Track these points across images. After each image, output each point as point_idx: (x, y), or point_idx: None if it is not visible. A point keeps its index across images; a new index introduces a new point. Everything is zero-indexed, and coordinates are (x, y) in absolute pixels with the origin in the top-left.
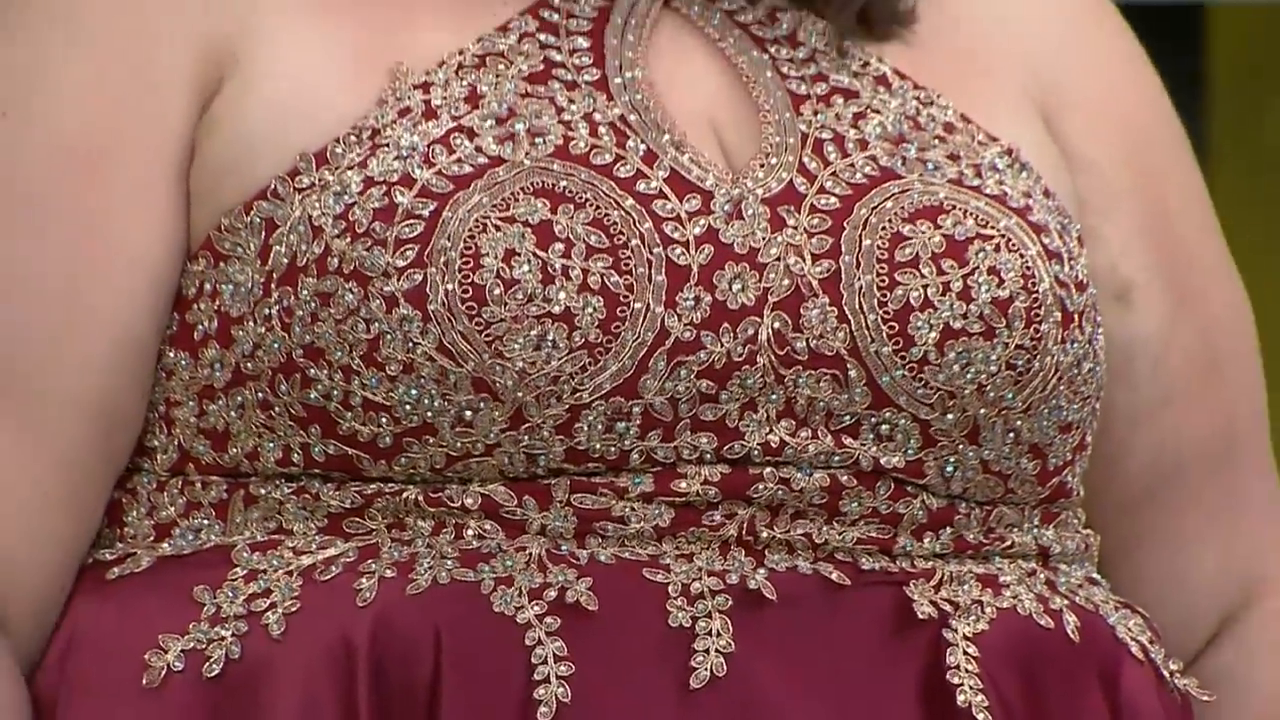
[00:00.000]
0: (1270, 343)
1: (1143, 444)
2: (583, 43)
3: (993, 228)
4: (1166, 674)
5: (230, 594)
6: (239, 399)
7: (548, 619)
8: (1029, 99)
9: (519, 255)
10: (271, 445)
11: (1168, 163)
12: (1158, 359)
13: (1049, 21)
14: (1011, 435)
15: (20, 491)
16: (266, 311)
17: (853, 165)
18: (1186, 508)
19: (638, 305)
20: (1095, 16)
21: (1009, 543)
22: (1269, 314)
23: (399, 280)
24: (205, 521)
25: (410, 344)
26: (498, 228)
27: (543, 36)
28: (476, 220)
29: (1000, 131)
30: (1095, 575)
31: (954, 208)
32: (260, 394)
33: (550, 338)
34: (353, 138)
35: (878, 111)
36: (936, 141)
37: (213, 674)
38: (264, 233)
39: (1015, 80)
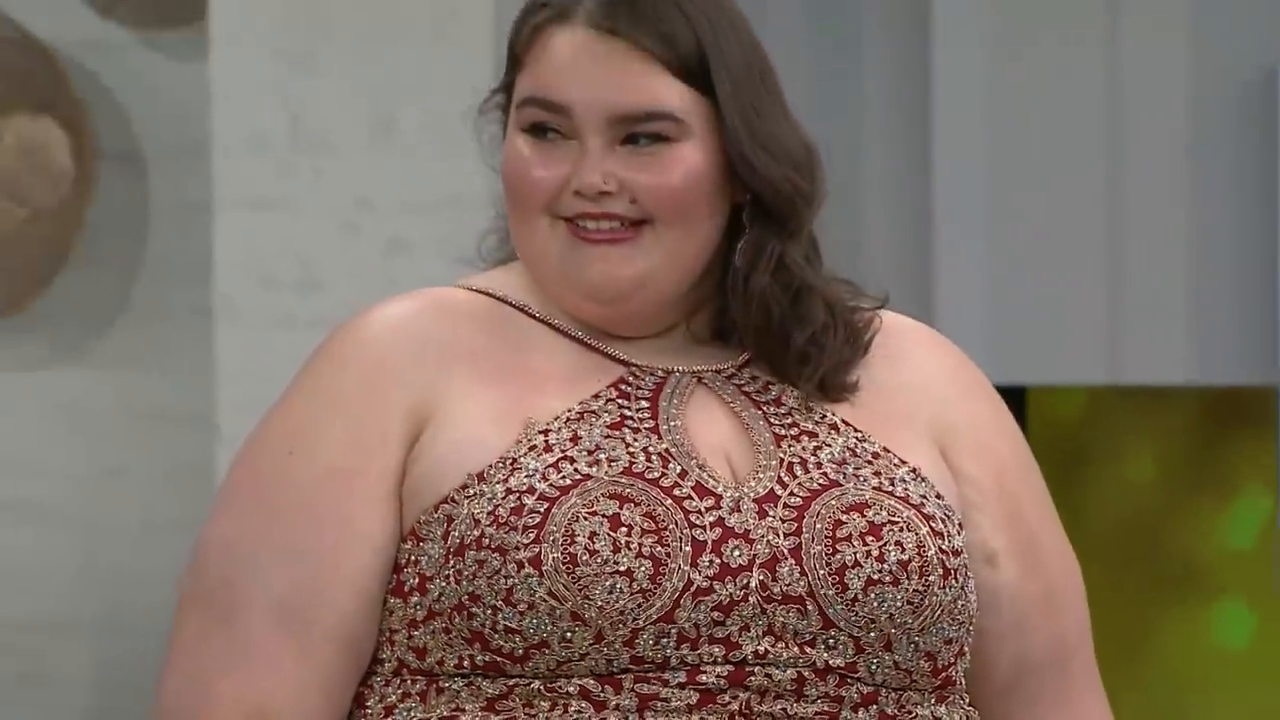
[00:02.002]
0: None
1: (1005, 655)
2: (645, 404)
3: (899, 517)
4: None
5: None
6: (431, 628)
7: None
8: (930, 436)
9: (598, 536)
10: (451, 656)
11: (1020, 478)
12: (1013, 600)
13: (944, 387)
14: (913, 646)
15: (303, 690)
16: (447, 573)
17: (811, 478)
18: (1035, 698)
19: (673, 566)
20: (976, 383)
21: (914, 715)
22: None
23: (524, 552)
24: (413, 705)
25: (532, 591)
26: (586, 519)
27: (620, 401)
28: (572, 514)
29: (909, 458)
30: None
31: (875, 504)
32: (444, 624)
33: (619, 587)
34: (499, 464)
35: (829, 445)
36: (866, 464)
37: None
38: (445, 524)
39: (921, 424)
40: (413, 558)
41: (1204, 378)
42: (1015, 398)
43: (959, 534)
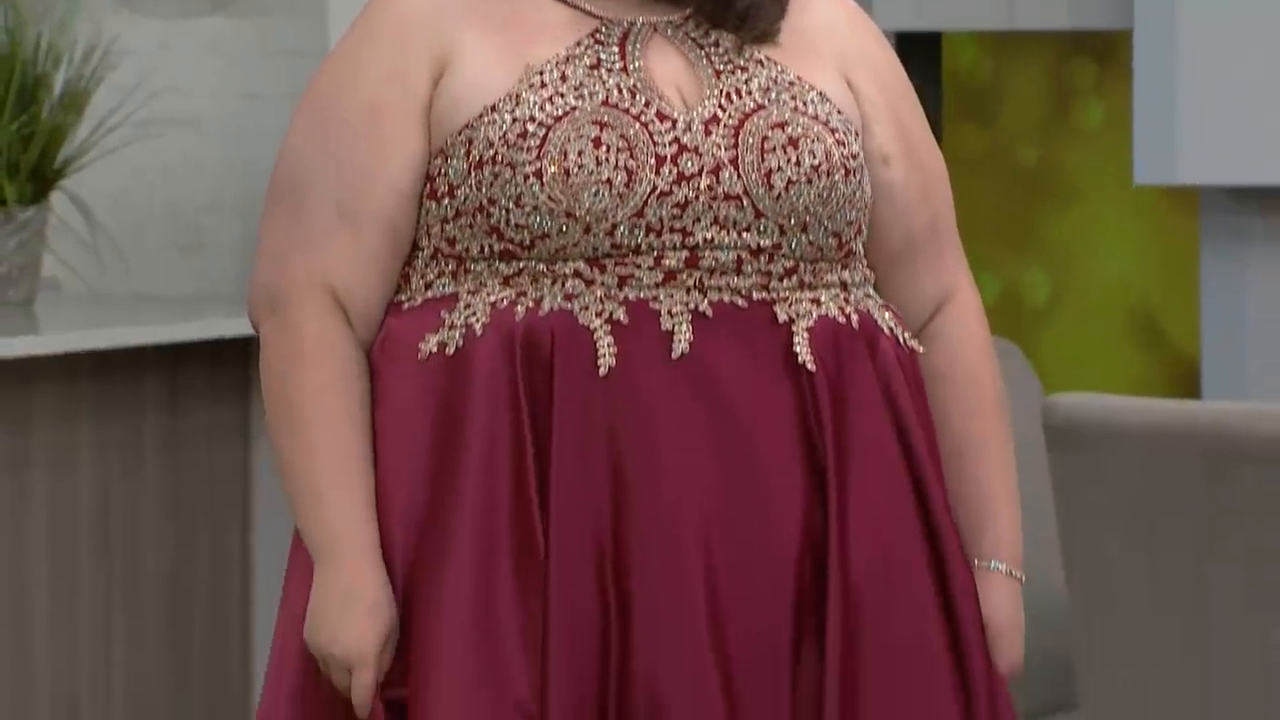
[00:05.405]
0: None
1: (895, 232)
2: (615, 49)
3: (811, 131)
4: (901, 340)
5: (458, 314)
6: (459, 224)
7: (604, 326)
8: (836, 67)
9: (584, 153)
10: (476, 244)
11: (902, 96)
12: (901, 190)
13: (843, 29)
14: (823, 228)
15: (355, 266)
16: (470, 183)
17: (745, 103)
18: (916, 260)
19: (641, 175)
20: (866, 26)
21: (825, 280)
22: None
23: (529, 167)
24: (447, 281)
25: (534, 195)
26: (575, 140)
27: (596, 47)
28: (565, 137)
29: (816, 83)
30: (870, 291)
31: (793, 122)
32: (468, 221)
33: (600, 192)
34: (506, 98)
35: (756, 77)
36: (785, 90)
37: (450, 353)
38: (467, 145)
39: (828, 58)
40: (442, 170)
41: (1075, 23)
42: (932, 43)
43: (857, 141)
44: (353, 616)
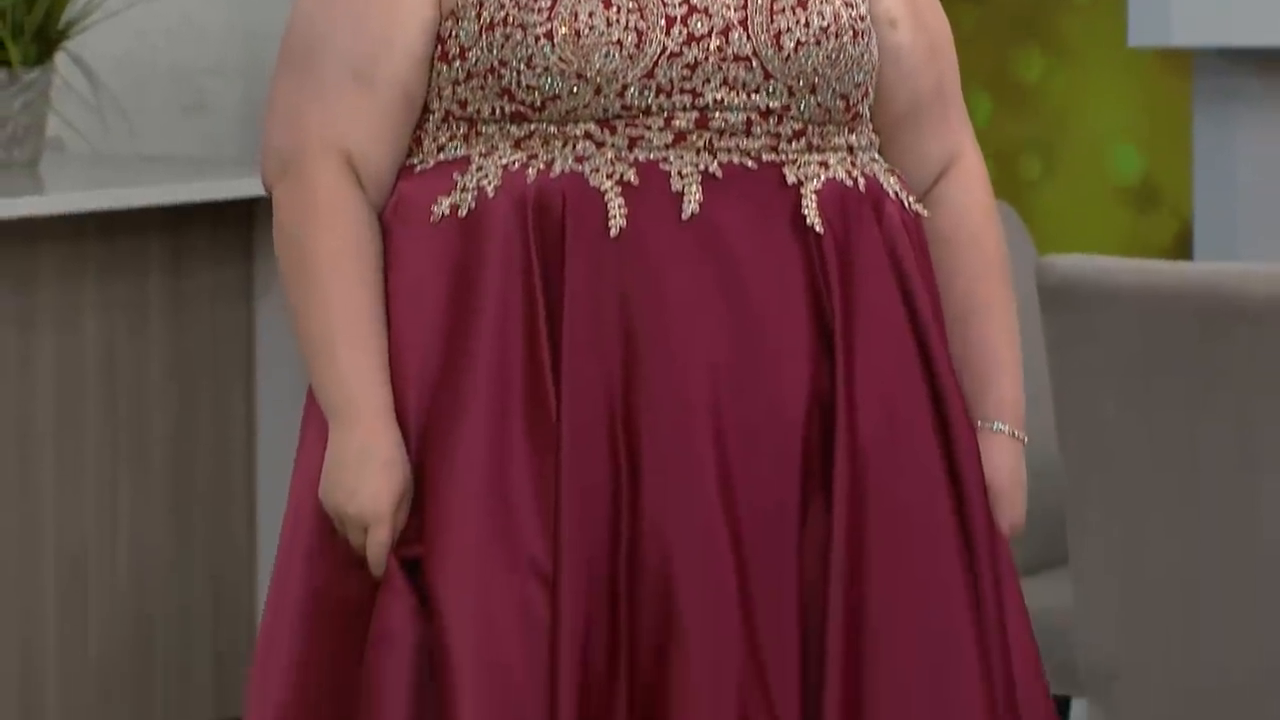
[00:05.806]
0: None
1: (903, 94)
2: None
3: None
4: (907, 204)
5: (470, 177)
6: (471, 85)
7: (615, 188)
8: None
9: (595, 14)
10: (487, 106)
11: None
12: (908, 53)
13: None
14: (831, 90)
15: (369, 130)
16: (481, 45)
17: None
18: (922, 123)
19: (651, 35)
20: None
21: (833, 143)
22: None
23: (540, 28)
24: (458, 144)
25: (545, 57)
26: (585, 2)
27: None
28: None
29: None
30: (876, 156)
31: None
32: (479, 83)
33: (611, 53)
34: None
35: None
36: None
37: (462, 215)
38: (478, 6)
39: None
40: (453, 33)
41: None
42: None
43: (864, 3)
44: (368, 474)
